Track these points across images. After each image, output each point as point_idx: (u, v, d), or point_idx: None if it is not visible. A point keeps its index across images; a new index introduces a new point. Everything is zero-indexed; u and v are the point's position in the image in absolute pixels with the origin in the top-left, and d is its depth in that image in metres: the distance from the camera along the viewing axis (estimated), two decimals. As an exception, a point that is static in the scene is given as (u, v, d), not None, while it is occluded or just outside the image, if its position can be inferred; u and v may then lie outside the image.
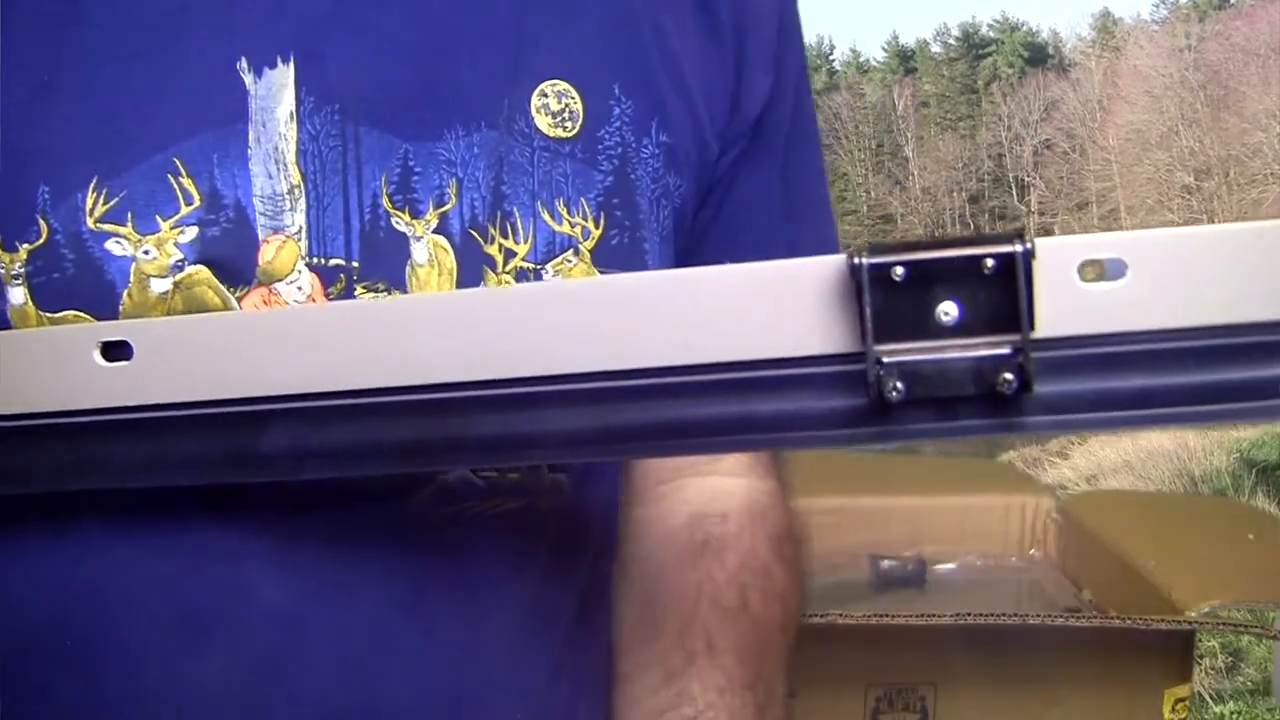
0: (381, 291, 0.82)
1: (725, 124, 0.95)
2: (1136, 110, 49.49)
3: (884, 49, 75.79)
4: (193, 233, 0.79)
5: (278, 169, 0.80)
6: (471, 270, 0.83)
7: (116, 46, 0.80)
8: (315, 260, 0.81)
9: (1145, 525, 1.97)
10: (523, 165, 0.85)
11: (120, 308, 0.78)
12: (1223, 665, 6.41)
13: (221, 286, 0.79)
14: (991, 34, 72.41)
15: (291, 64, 0.81)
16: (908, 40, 75.45)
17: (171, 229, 0.79)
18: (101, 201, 0.78)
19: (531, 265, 0.85)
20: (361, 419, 0.65)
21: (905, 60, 73.74)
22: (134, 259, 0.78)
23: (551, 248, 0.86)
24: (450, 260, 0.83)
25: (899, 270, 0.55)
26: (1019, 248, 0.54)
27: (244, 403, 0.66)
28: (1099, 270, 0.54)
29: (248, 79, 0.80)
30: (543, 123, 0.86)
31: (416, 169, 0.83)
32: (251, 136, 0.80)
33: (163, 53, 0.80)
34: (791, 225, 1.02)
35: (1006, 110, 63.50)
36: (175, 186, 0.79)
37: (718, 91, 0.95)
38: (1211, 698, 5.67)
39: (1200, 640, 6.54)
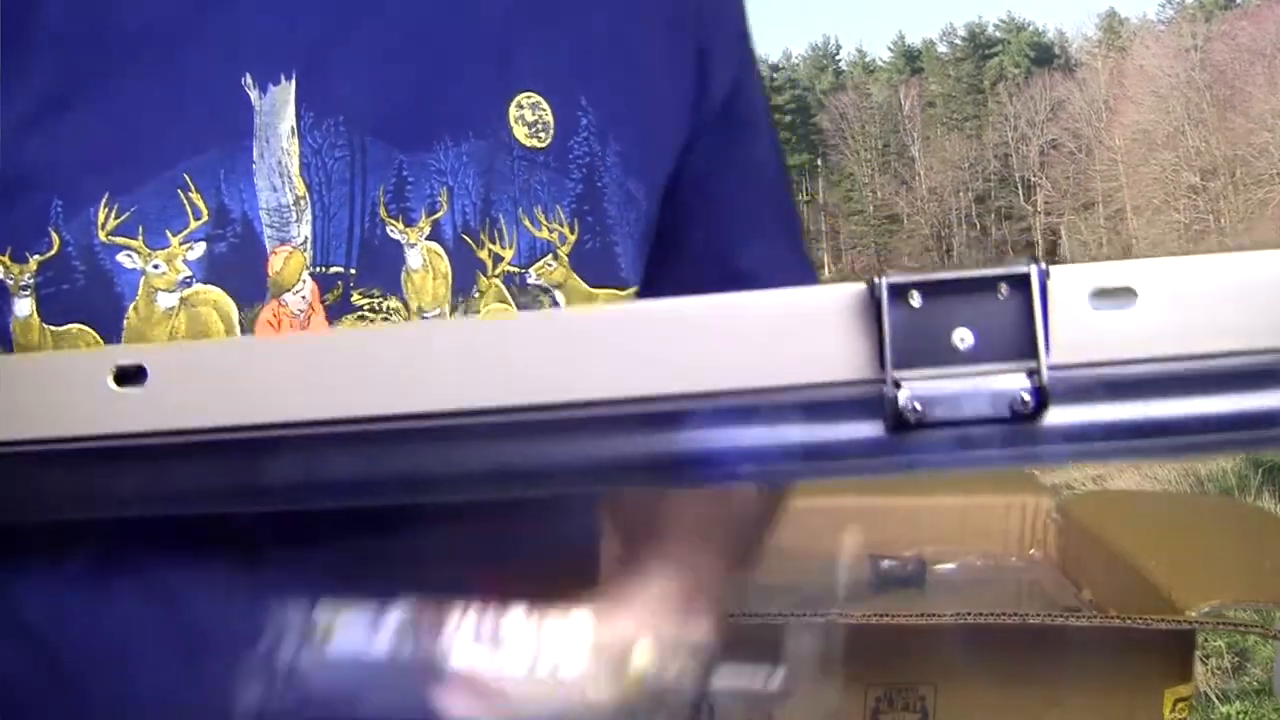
0: (377, 298, 0.84)
1: (686, 126, 0.98)
2: (1143, 110, 49.46)
3: (890, 49, 75.77)
4: (200, 249, 0.81)
5: (282, 182, 0.83)
6: (465, 274, 0.86)
7: (128, 63, 0.82)
8: (318, 269, 0.83)
9: (1145, 525, 1.97)
10: (506, 174, 0.88)
11: (125, 321, 0.80)
12: (1229, 665, 6.40)
13: (228, 303, 0.81)
14: (998, 34, 72.39)
15: (293, 80, 0.84)
16: (914, 40, 75.40)
17: (181, 244, 0.80)
18: (114, 216, 0.80)
19: (516, 269, 0.88)
20: (373, 446, 0.63)
21: (911, 60, 73.73)
22: (144, 272, 0.80)
23: (533, 252, 0.89)
24: (445, 265, 0.86)
25: (915, 295, 0.55)
26: (1034, 269, 0.54)
27: (255, 429, 0.64)
28: (1111, 297, 0.55)
29: (253, 95, 0.83)
30: (520, 133, 0.89)
31: (410, 179, 0.85)
32: (256, 151, 0.82)
33: (172, 69, 0.82)
34: (759, 214, 1.06)
35: (1013, 110, 63.47)
36: (185, 202, 0.81)
37: (679, 97, 0.98)
38: (1218, 697, 5.67)
39: (1206, 640, 6.53)
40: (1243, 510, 3.26)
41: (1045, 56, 69.28)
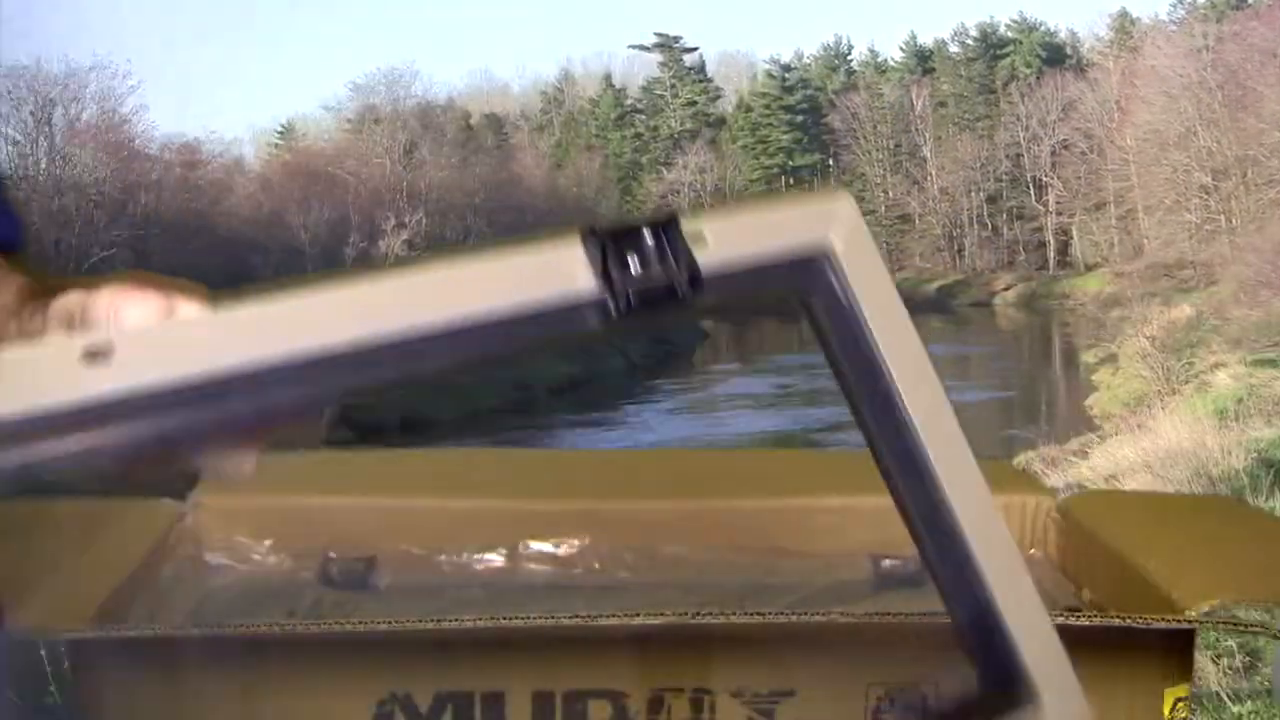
0: None
1: None
2: (1154, 110, 49.32)
3: (902, 49, 75.72)
4: None
5: None
6: None
7: None
8: None
9: (1145, 525, 1.97)
10: None
11: None
12: (1240, 665, 6.39)
13: None
14: (1009, 34, 72.27)
15: None
16: (925, 40, 75.38)
17: None
18: None
19: None
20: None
21: (923, 60, 73.62)
22: None
23: None
24: None
25: (610, 240, 0.89)
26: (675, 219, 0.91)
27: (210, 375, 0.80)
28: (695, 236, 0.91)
29: None
30: None
31: None
32: None
33: None
34: None
35: (1024, 110, 63.36)
36: None
37: None
38: (1229, 697, 5.66)
39: (1218, 640, 6.52)
40: (1243, 510, 3.25)
41: (1057, 56, 69.16)
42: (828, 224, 0.95)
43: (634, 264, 0.89)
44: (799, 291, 0.95)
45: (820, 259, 0.95)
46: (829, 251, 0.95)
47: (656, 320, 0.91)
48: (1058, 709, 1.02)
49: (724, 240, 0.92)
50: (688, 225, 0.91)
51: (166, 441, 0.80)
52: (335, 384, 0.84)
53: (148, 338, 0.83)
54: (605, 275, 0.89)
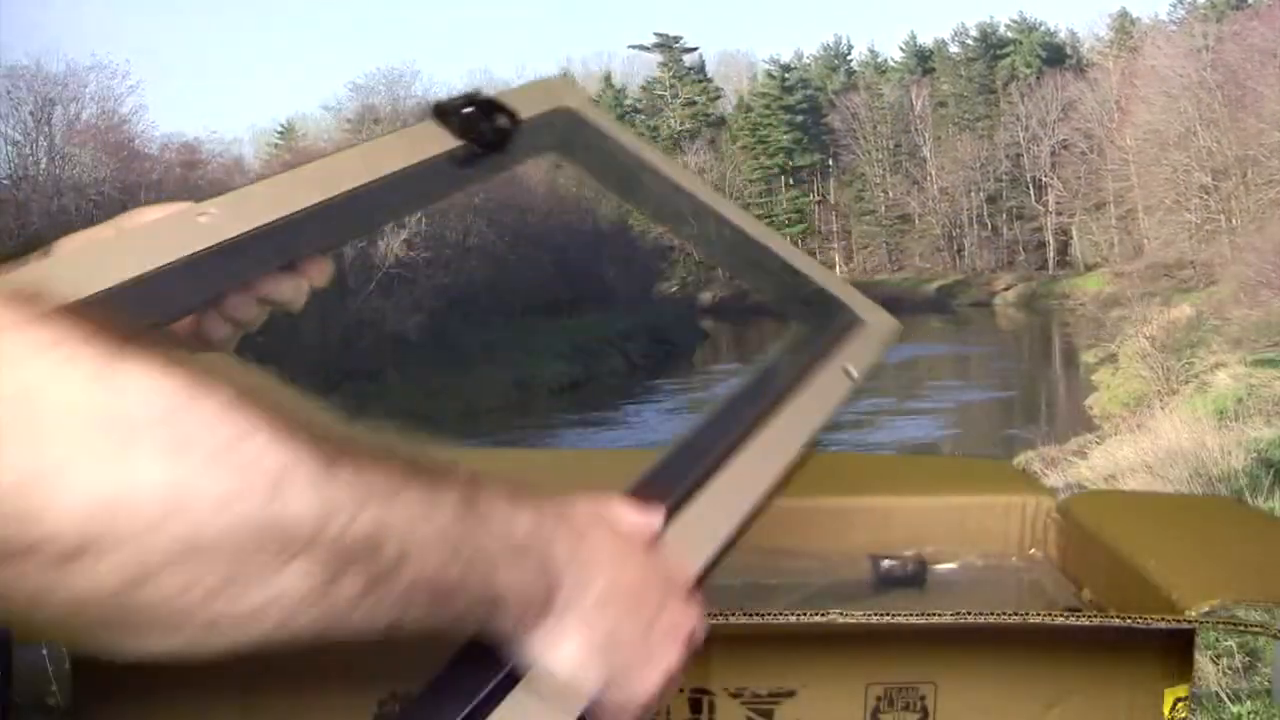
0: None
1: None
2: (1154, 110, 49.36)
3: (902, 49, 75.80)
4: None
5: None
6: None
7: None
8: None
9: (1145, 525, 1.96)
10: None
11: None
12: (1240, 665, 6.41)
13: None
14: (1009, 34, 72.34)
15: None
16: (925, 40, 75.45)
17: None
18: None
19: None
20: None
21: (923, 60, 73.68)
22: None
23: None
24: None
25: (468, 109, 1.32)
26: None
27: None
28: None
29: None
30: None
31: None
32: None
33: None
34: None
35: (1024, 110, 63.42)
36: None
37: None
38: (1229, 697, 5.67)
39: (1218, 640, 6.53)
40: (1243, 510, 3.25)
41: (1057, 57, 69.22)
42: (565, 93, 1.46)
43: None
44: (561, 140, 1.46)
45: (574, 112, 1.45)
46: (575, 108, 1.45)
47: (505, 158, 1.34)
48: (875, 321, 1.55)
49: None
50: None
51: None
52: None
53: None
54: (464, 132, 1.29)
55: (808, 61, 77.07)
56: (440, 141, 1.27)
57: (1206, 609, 1.59)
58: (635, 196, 1.55)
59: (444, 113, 1.28)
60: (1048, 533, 1.99)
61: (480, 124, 1.30)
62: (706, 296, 62.46)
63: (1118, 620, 1.60)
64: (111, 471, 0.62)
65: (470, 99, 1.32)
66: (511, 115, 1.32)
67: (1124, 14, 66.75)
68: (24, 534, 0.60)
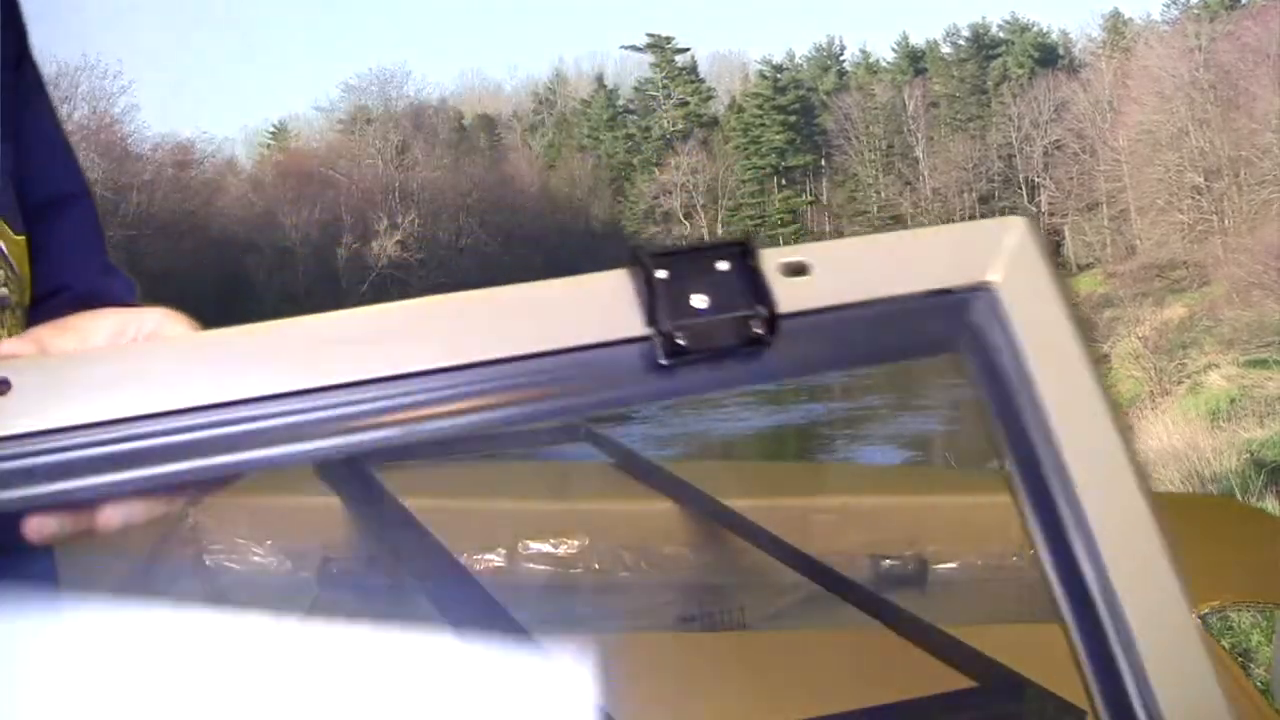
0: None
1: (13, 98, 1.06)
2: (1146, 111, 49.33)
3: (894, 49, 75.70)
4: None
5: None
6: None
7: None
8: None
9: (1145, 525, 1.97)
10: None
11: None
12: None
13: None
14: (1001, 34, 72.30)
15: None
16: (918, 41, 75.35)
17: None
18: None
19: None
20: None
21: (915, 61, 73.63)
22: None
23: None
24: None
25: (661, 272, 0.72)
26: (750, 246, 0.74)
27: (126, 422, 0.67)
28: (793, 269, 0.74)
29: None
30: None
31: None
32: None
33: None
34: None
35: (1016, 111, 63.40)
36: None
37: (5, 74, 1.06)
38: (1224, 698, 5.66)
39: (1216, 640, 6.53)
40: (1242, 511, 3.25)
41: (1049, 57, 69.20)
42: (988, 251, 0.78)
43: (698, 300, 0.72)
44: (934, 337, 0.78)
45: (973, 295, 0.77)
46: (988, 285, 0.78)
47: (725, 373, 0.73)
48: None
49: (834, 270, 0.75)
50: (780, 254, 0.74)
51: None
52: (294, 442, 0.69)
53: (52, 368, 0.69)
54: (652, 312, 0.72)
55: (800, 62, 76.98)
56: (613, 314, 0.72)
57: (1206, 610, 1.59)
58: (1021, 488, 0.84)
59: (642, 270, 0.72)
60: (1047, 533, 2.00)
61: (714, 312, 0.72)
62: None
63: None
64: None
65: (731, 249, 0.73)
66: (773, 314, 0.72)
67: (1117, 14, 66.74)
68: None
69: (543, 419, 0.87)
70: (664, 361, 0.71)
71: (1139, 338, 29.10)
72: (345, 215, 47.49)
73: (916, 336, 0.77)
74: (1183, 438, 15.33)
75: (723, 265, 0.72)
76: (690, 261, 0.72)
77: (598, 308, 0.72)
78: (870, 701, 1.41)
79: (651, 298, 0.71)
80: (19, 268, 1.00)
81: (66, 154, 1.18)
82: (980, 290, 0.77)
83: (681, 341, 0.71)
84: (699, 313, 0.71)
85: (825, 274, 0.74)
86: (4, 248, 0.96)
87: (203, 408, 0.67)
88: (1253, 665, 6.42)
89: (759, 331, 0.72)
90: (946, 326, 0.77)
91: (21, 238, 1.00)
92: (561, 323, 0.72)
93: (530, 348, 0.71)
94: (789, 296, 0.73)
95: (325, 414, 0.69)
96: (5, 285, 0.97)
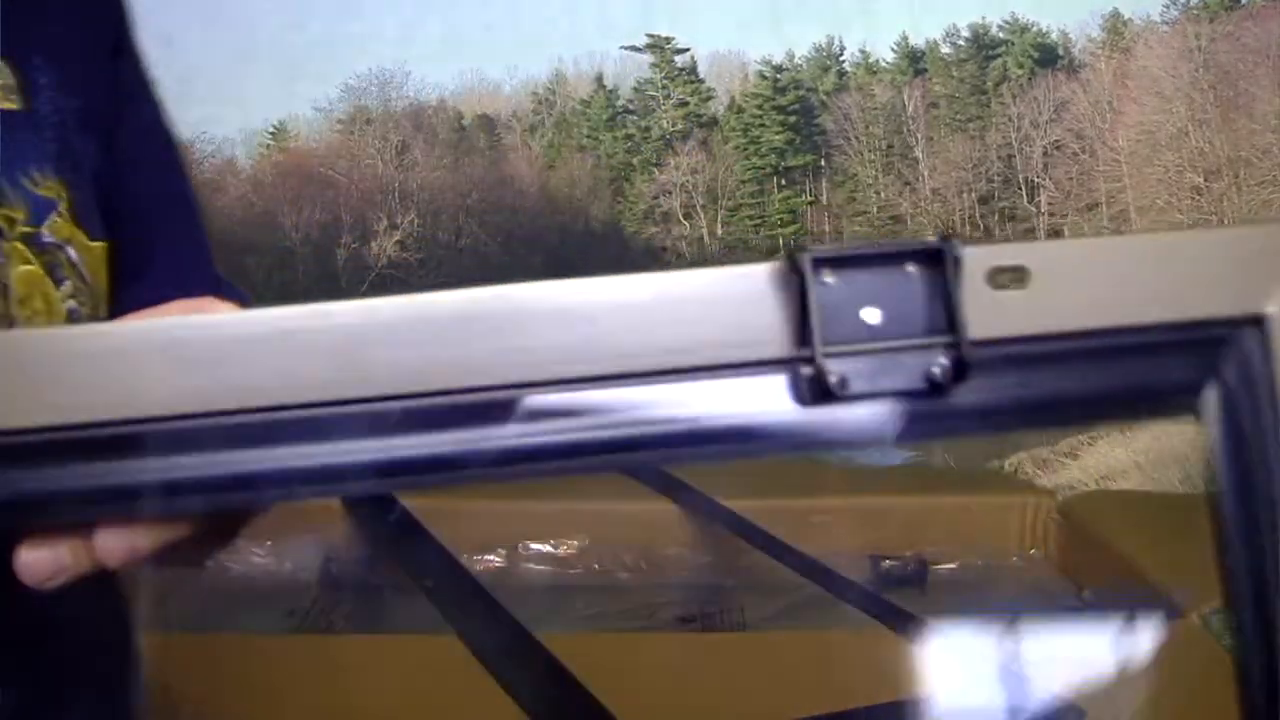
0: None
1: (107, 92, 1.03)
2: (1146, 111, 49.35)
3: (893, 50, 75.65)
4: None
5: None
6: None
7: None
8: None
9: (1145, 525, 1.97)
10: None
11: None
12: (1232, 666, 6.41)
13: None
14: (1001, 35, 72.27)
15: None
16: (917, 41, 75.27)
17: None
18: None
19: (32, 229, 0.90)
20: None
21: (915, 61, 73.61)
22: None
23: (40, 210, 0.91)
24: None
25: (828, 275, 0.52)
26: (946, 251, 0.52)
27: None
28: (1007, 278, 0.53)
29: None
30: None
31: None
32: None
33: None
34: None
35: (1016, 111, 63.36)
36: None
37: (102, 60, 1.03)
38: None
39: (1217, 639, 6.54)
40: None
41: (1049, 57, 69.16)
42: (1267, 270, 0.54)
43: (869, 314, 0.53)
44: (1169, 390, 0.56)
45: (1233, 331, 0.54)
46: (1262, 319, 0.54)
47: (894, 422, 0.53)
48: None
49: (1055, 284, 0.54)
50: (991, 254, 0.54)
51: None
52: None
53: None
54: (802, 333, 0.52)
55: (799, 62, 76.92)
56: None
57: (1206, 609, 1.59)
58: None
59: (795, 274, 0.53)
60: (1048, 533, 1.99)
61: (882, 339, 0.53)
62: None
63: None
64: None
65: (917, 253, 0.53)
66: (961, 358, 0.52)
67: (1116, 15, 66.71)
68: None
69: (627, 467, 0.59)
70: (810, 401, 0.52)
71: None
72: (345, 215, 47.48)
73: (1148, 388, 0.55)
74: (1182, 438, 15.31)
75: (911, 268, 0.52)
76: (866, 265, 0.53)
77: (731, 315, 0.53)
78: (870, 701, 1.41)
79: (804, 310, 0.52)
80: (93, 277, 0.95)
81: (170, 154, 1.14)
82: (1245, 326, 0.54)
83: (836, 376, 0.52)
84: (868, 334, 0.52)
85: (1045, 287, 0.53)
86: (76, 255, 0.94)
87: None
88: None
89: (946, 364, 0.52)
90: (1189, 373, 0.54)
91: (99, 245, 0.95)
92: (677, 334, 0.54)
93: (629, 365, 0.54)
94: (993, 318, 0.53)
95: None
96: (74, 297, 0.94)
